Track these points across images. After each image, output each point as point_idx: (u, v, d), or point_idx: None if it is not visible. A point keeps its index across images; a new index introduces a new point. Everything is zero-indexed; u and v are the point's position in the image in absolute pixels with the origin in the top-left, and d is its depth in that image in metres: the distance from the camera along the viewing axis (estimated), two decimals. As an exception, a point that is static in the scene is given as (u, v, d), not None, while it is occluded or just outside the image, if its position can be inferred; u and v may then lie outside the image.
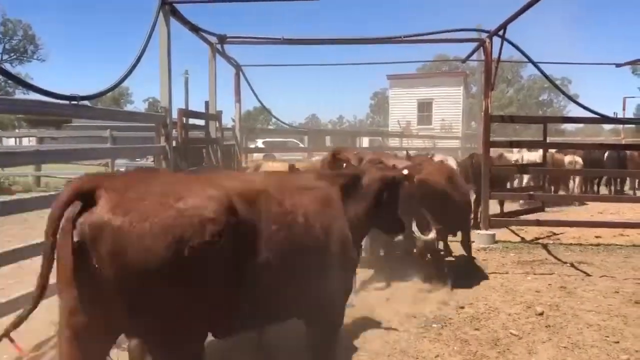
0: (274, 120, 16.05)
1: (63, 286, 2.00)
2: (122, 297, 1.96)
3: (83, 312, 1.98)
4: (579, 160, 13.01)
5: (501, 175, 9.94)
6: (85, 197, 1.96)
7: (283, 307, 2.65)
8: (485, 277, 5.84)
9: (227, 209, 2.12)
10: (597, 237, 8.03)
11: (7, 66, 40.08)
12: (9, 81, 39.00)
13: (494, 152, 12.15)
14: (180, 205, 1.99)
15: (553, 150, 12.32)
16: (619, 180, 14.41)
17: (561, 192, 13.07)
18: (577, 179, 13.42)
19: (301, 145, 19.11)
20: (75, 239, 1.92)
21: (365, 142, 23.38)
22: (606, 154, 13.49)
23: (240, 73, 9.97)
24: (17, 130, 27.85)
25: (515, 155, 12.52)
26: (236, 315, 2.34)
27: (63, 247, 1.92)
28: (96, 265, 1.92)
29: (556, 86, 10.58)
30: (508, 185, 11.22)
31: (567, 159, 12.93)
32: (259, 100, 11.00)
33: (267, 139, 25.41)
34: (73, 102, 4.45)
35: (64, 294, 2.01)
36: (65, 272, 1.93)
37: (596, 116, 8.09)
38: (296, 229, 2.49)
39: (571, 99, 9.54)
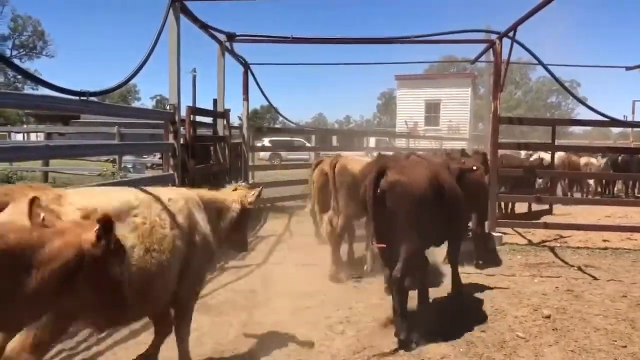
0: (280, 118, 16.04)
1: (371, 217, 3.97)
2: (399, 219, 3.88)
3: (379, 229, 3.91)
4: (594, 161, 12.91)
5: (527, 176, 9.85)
6: (383, 170, 3.99)
7: (446, 231, 4.47)
8: (492, 279, 5.82)
9: (438, 173, 4.22)
10: (604, 240, 7.96)
11: (16, 62, 40.26)
12: (18, 76, 39.43)
13: (522, 153, 12.18)
14: (422, 171, 4.09)
15: (562, 154, 12.25)
16: (630, 183, 14.28)
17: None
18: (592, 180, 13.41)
19: (308, 144, 19.10)
20: (378, 191, 3.93)
21: (372, 142, 23.35)
22: (620, 158, 13.36)
23: (249, 71, 9.97)
24: (25, 126, 27.94)
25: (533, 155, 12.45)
26: (436, 233, 4.27)
27: (373, 197, 3.93)
28: (387, 204, 3.91)
29: (565, 88, 10.50)
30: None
31: (582, 160, 12.88)
32: (267, 99, 10.99)
33: (274, 138, 25.43)
34: (82, 98, 4.49)
35: (371, 222, 3.98)
36: (372, 209, 3.92)
37: (605, 119, 8.02)
38: (453, 189, 4.39)
39: (580, 101, 9.48)
